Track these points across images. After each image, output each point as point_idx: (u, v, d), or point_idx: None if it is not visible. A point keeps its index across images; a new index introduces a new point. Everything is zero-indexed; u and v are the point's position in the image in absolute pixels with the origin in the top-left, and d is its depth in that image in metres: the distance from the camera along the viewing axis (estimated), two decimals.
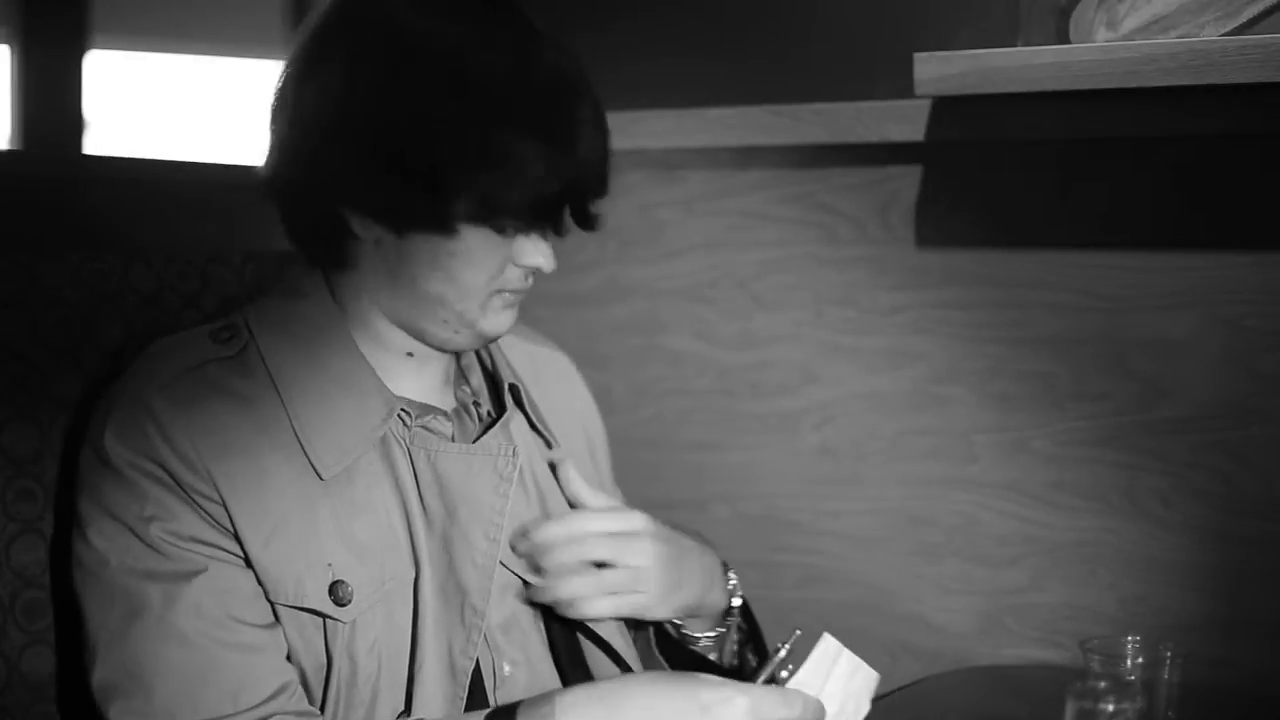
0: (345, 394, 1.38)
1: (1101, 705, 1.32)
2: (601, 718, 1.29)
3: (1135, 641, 1.45)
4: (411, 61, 1.31)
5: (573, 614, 1.44)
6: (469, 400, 1.49)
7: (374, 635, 1.34)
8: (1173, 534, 1.79)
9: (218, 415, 1.33)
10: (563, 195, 1.35)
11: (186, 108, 5.42)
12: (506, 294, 1.39)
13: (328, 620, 1.33)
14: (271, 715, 1.29)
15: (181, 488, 1.31)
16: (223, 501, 1.31)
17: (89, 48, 4.88)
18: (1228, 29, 1.68)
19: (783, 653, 1.36)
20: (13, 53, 4.77)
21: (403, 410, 1.40)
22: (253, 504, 1.32)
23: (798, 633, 1.38)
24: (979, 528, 1.90)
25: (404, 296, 1.38)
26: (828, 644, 1.37)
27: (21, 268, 1.46)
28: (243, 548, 1.31)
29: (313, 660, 1.33)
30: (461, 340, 1.41)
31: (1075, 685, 1.34)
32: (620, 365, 2.11)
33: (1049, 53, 1.71)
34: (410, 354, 1.43)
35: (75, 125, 4.85)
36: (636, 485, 1.74)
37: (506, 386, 1.51)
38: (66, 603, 1.39)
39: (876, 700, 1.89)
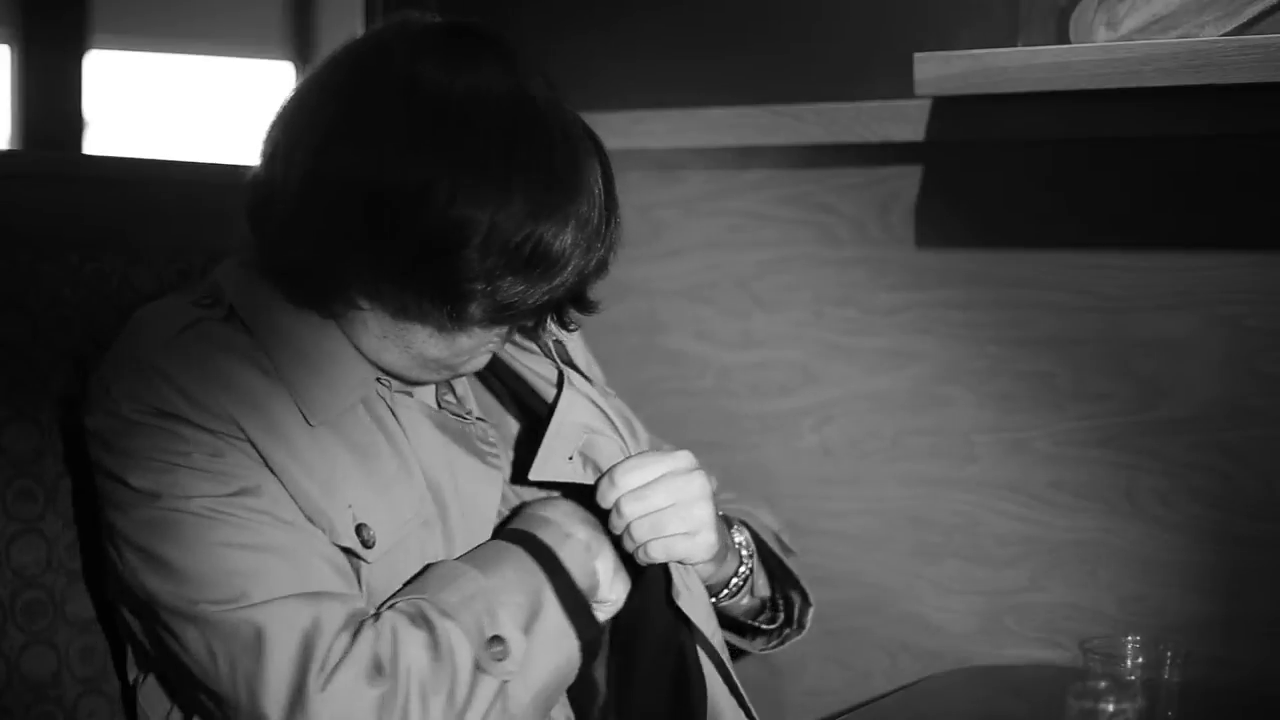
0: (326, 361, 1.36)
1: (1101, 705, 1.32)
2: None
3: (1135, 641, 1.45)
4: (428, 150, 1.25)
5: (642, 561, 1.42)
6: (454, 408, 1.48)
7: (396, 576, 1.35)
8: (1172, 534, 1.79)
9: (223, 366, 1.32)
10: (577, 288, 1.33)
11: (186, 108, 5.43)
12: (492, 344, 1.39)
13: (355, 560, 1.33)
14: (361, 613, 1.30)
15: (210, 432, 1.30)
16: (251, 441, 1.31)
17: (89, 48, 4.89)
18: (1228, 29, 1.68)
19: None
20: (13, 53, 4.78)
21: (380, 380, 1.39)
22: (276, 445, 1.31)
23: None
24: (979, 528, 1.90)
25: (395, 352, 1.36)
26: None
27: (21, 268, 1.46)
28: (281, 483, 1.31)
29: None
30: (439, 379, 1.42)
31: (1075, 685, 1.34)
32: (620, 365, 2.10)
33: (1049, 53, 1.71)
34: None
35: (75, 125, 4.85)
36: None
37: (552, 344, 1.50)
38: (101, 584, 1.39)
39: (877, 700, 1.90)
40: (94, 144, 4.92)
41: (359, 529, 1.33)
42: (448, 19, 1.33)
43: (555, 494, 1.47)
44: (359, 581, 1.34)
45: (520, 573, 1.35)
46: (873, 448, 1.96)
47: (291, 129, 1.32)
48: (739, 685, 1.46)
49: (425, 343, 1.34)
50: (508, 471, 1.49)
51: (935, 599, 1.92)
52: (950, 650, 1.91)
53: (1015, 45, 1.79)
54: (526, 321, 1.36)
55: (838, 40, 1.99)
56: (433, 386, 1.46)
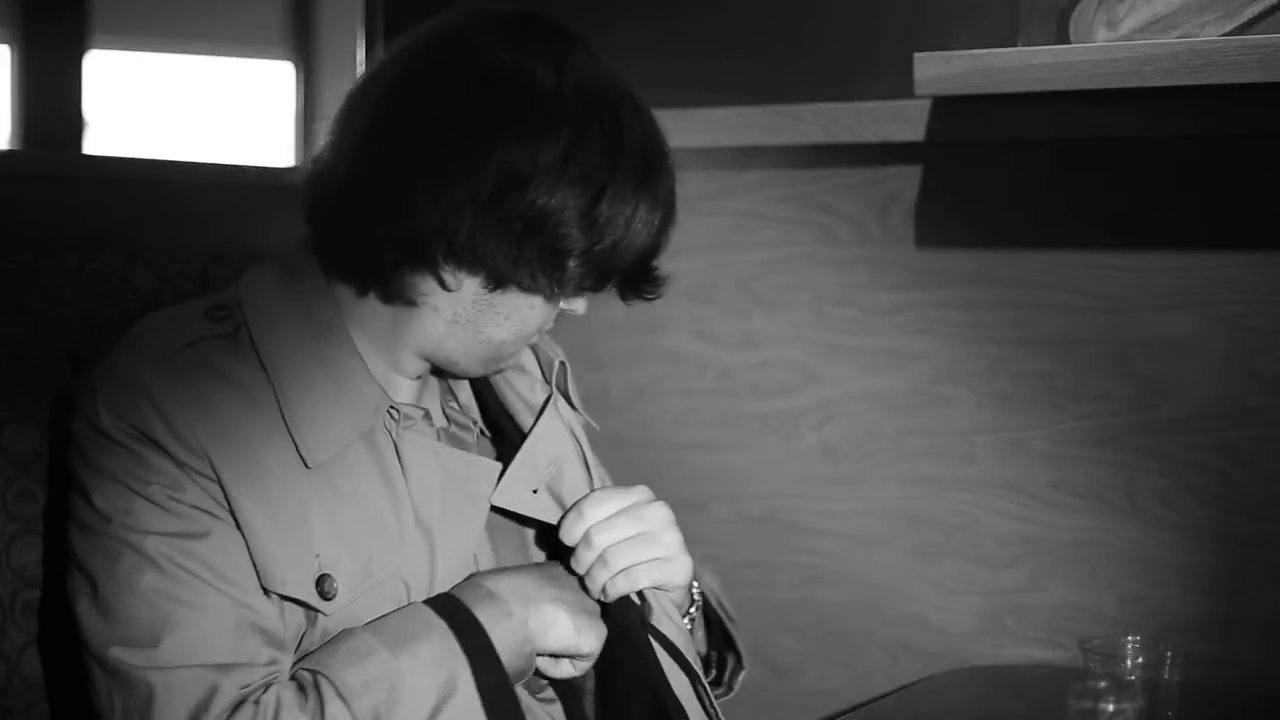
0: (335, 385, 1.36)
1: (1101, 705, 1.32)
2: (550, 601, 1.38)
3: (1135, 641, 1.45)
4: (549, 132, 1.30)
5: (612, 596, 1.42)
6: (461, 417, 1.48)
7: (354, 623, 1.34)
8: (1172, 534, 1.79)
9: (211, 395, 1.32)
10: (647, 257, 1.39)
11: (186, 108, 5.43)
12: (543, 331, 1.43)
13: (310, 610, 1.32)
14: (274, 678, 1.29)
15: (177, 463, 1.30)
16: (219, 480, 1.30)
17: (89, 48, 4.89)
18: (1228, 29, 1.68)
19: None
20: (13, 53, 4.78)
21: (391, 407, 1.39)
22: (246, 486, 1.31)
23: None
24: (979, 528, 1.90)
25: (460, 338, 1.37)
26: None
27: (21, 268, 1.46)
28: (238, 527, 1.31)
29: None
30: (484, 372, 1.43)
31: (1075, 685, 1.34)
32: (619, 365, 2.10)
33: (1049, 53, 1.71)
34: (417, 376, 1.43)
35: (75, 125, 4.85)
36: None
37: (556, 365, 1.52)
38: (57, 574, 1.38)
39: (877, 700, 1.90)
40: (94, 144, 4.92)
41: (321, 579, 1.32)
42: (518, 9, 1.38)
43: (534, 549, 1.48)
44: (314, 629, 1.32)
45: (437, 654, 1.31)
46: (873, 448, 1.96)
47: (383, 114, 1.34)
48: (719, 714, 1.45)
49: (500, 327, 1.36)
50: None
51: (935, 599, 1.92)
52: (950, 650, 1.91)
53: (1015, 45, 1.79)
54: (600, 290, 1.40)
55: (838, 40, 1.99)
56: (439, 399, 1.47)
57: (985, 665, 1.88)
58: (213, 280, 1.59)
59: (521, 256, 1.31)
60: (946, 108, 1.85)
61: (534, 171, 1.30)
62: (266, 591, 1.31)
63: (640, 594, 1.42)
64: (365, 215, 1.34)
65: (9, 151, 3.43)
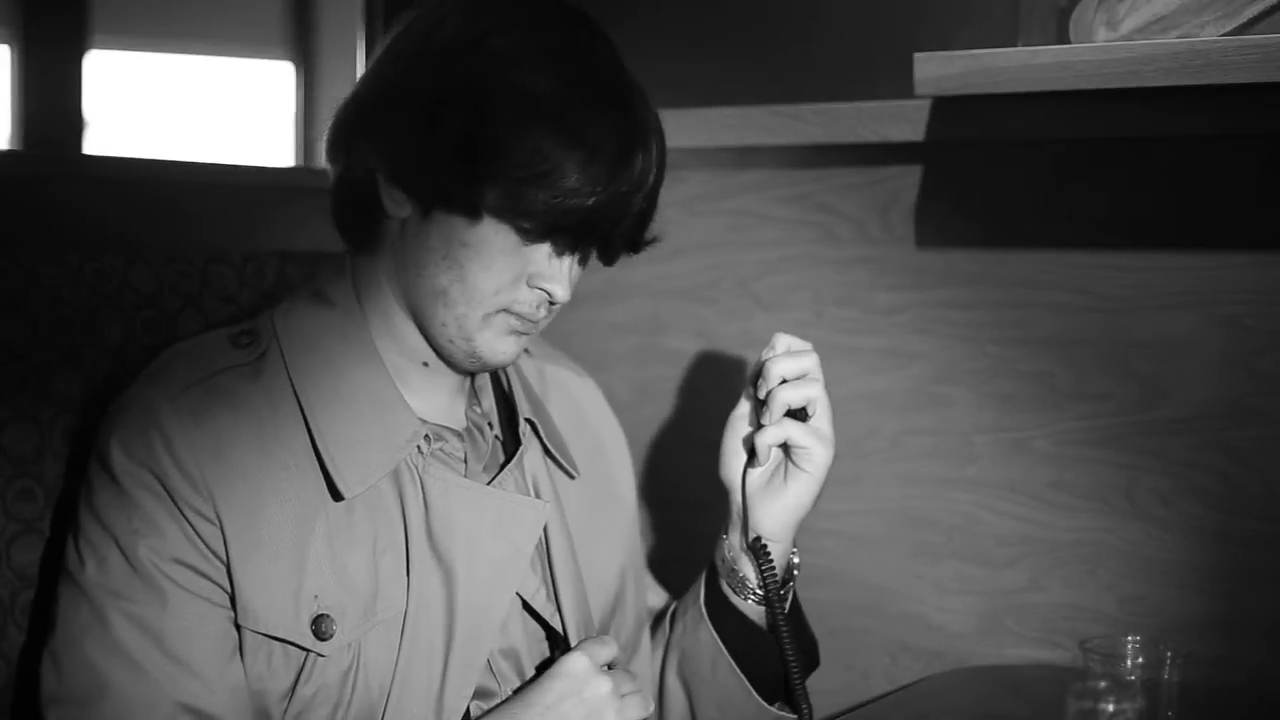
0: (370, 411, 1.36)
1: (1101, 705, 1.32)
2: None
3: (1135, 641, 1.45)
4: (466, 56, 1.32)
5: None
6: (481, 421, 1.47)
7: (350, 664, 1.33)
8: (1172, 534, 1.79)
9: (224, 431, 1.32)
10: (593, 214, 1.33)
11: (186, 108, 5.43)
12: (513, 317, 1.36)
13: (305, 651, 1.32)
14: None
15: (176, 504, 1.30)
16: (219, 522, 1.30)
17: (89, 48, 4.89)
18: (1228, 29, 1.68)
19: None
20: (13, 53, 4.78)
21: (420, 446, 1.38)
22: (248, 527, 1.31)
23: None
24: (979, 528, 1.90)
25: (413, 285, 1.36)
26: None
27: (21, 268, 1.46)
28: (229, 571, 1.31)
29: (278, 687, 1.32)
30: (457, 353, 1.38)
31: (1075, 685, 1.34)
32: (621, 365, 2.10)
33: (1049, 53, 1.71)
34: (426, 364, 1.41)
35: (75, 125, 4.85)
36: (638, 485, 1.74)
37: (522, 420, 1.48)
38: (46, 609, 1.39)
39: (877, 700, 1.90)
40: (94, 144, 4.92)
41: (319, 619, 1.32)
42: None
43: None
44: (315, 668, 1.31)
45: None
46: (873, 448, 1.96)
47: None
48: None
49: (439, 268, 1.34)
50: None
51: (935, 599, 1.92)
52: (950, 650, 1.91)
53: (1015, 45, 1.79)
54: (541, 227, 1.34)
55: (838, 40, 1.99)
56: (463, 409, 1.45)
57: (985, 665, 1.88)
58: (212, 280, 1.59)
59: (434, 156, 1.31)
60: (946, 108, 1.85)
61: (453, 84, 1.31)
62: (241, 643, 1.31)
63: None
64: (337, 147, 1.40)
65: (9, 151, 3.43)
